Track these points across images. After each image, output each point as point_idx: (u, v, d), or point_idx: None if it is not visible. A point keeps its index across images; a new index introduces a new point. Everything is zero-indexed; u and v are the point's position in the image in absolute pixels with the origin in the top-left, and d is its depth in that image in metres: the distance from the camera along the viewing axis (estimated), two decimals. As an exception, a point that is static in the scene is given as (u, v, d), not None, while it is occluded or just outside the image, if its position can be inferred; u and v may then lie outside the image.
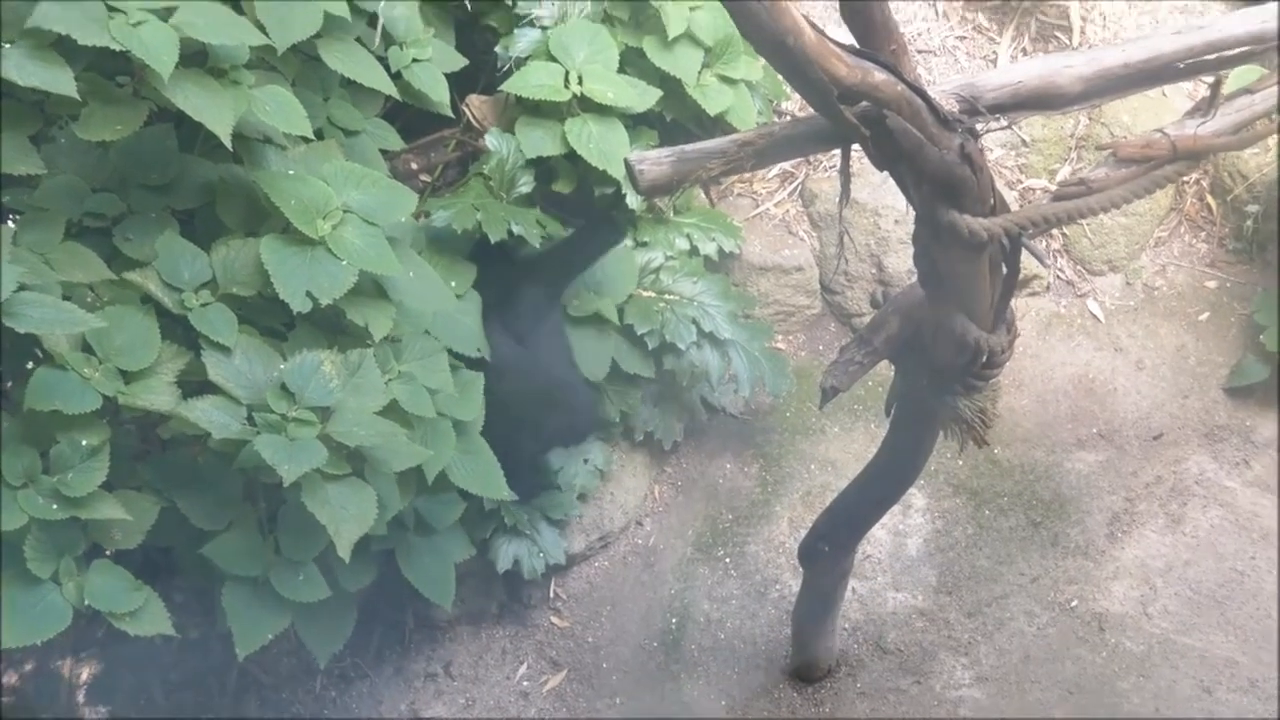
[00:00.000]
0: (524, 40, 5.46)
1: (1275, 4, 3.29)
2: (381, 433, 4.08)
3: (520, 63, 5.42)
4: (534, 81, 5.30)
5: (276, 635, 4.34)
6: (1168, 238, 6.33)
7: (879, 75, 2.82)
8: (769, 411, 6.02)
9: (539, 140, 5.32)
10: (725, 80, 5.68)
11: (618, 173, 5.27)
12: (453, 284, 4.90)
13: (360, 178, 4.37)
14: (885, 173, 3.17)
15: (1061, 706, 5.12)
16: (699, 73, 5.61)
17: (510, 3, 5.51)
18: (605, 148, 5.23)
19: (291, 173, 4.30)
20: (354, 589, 4.53)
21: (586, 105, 5.32)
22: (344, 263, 4.13)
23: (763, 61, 5.46)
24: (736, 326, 5.62)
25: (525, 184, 5.35)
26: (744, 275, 6.04)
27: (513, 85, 5.29)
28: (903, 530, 5.64)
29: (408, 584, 4.78)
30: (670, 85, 5.56)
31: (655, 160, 2.96)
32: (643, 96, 5.41)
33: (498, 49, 5.48)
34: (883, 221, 5.99)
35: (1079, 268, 6.28)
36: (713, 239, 5.76)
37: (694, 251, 5.73)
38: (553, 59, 5.38)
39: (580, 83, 5.31)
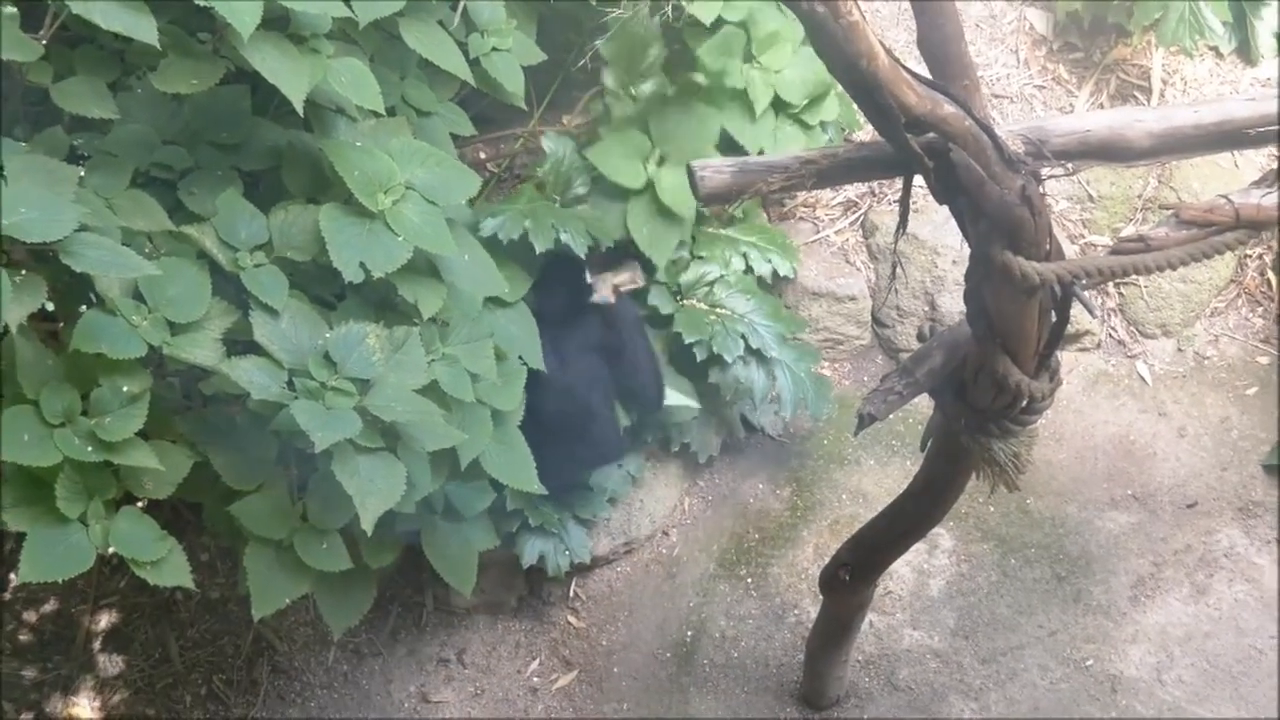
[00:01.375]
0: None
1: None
2: (419, 410, 4.09)
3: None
4: (611, 163, 5.38)
5: (294, 602, 4.35)
6: (1224, 309, 6.30)
7: (948, 108, 2.83)
8: (807, 436, 6.02)
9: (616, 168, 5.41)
10: (801, 124, 5.71)
11: (661, 261, 5.40)
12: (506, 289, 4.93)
13: (426, 156, 4.40)
14: (947, 211, 3.18)
15: (1065, 763, 5.11)
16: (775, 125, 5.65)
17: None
18: (657, 237, 5.33)
19: (359, 145, 4.33)
20: (376, 565, 4.54)
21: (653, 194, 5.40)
22: (400, 238, 4.16)
23: (839, 91, 5.51)
24: (784, 347, 5.64)
25: (581, 185, 5.39)
26: (796, 299, 6.05)
27: (594, 156, 5.38)
28: (927, 569, 5.63)
29: (429, 567, 4.79)
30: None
31: (717, 169, 2.97)
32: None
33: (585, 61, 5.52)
34: (940, 260, 5.99)
35: (1132, 329, 6.26)
36: (769, 260, 5.77)
37: (749, 270, 5.74)
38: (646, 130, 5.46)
39: (660, 164, 5.41)
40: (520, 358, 4.86)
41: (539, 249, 5.10)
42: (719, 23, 5.46)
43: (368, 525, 3.97)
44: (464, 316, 4.55)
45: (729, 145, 5.56)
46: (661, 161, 5.41)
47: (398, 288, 4.23)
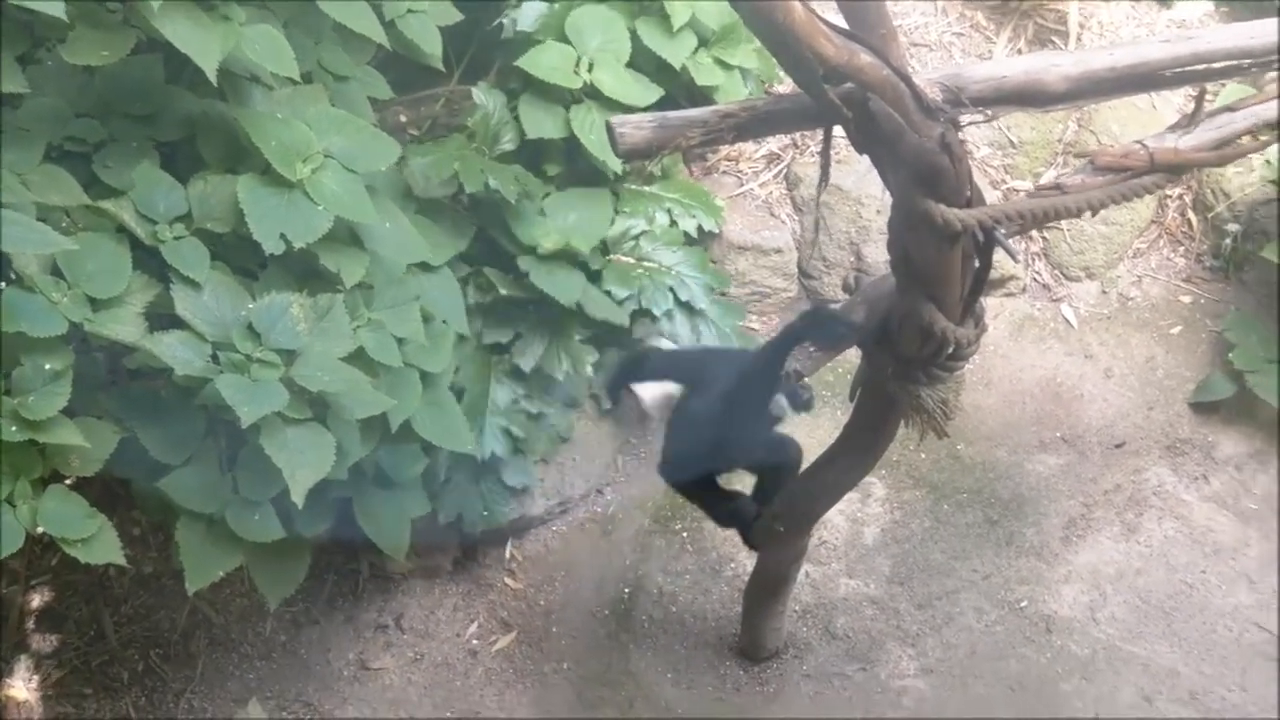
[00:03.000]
0: (530, 13, 5.51)
1: (1264, 22, 3.31)
2: (345, 379, 4.08)
3: (526, 37, 5.44)
4: (546, 63, 5.36)
5: (228, 574, 4.35)
6: (1146, 250, 6.35)
7: (865, 58, 2.83)
8: (738, 390, 6.03)
9: (541, 121, 5.37)
10: (720, 63, 5.73)
11: (615, 165, 5.35)
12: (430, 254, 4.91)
13: (344, 124, 4.38)
14: (869, 161, 3.18)
15: (1003, 703, 5.14)
16: (695, 52, 5.65)
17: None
18: (606, 139, 5.28)
19: (275, 114, 4.29)
20: (310, 534, 4.53)
21: (593, 93, 5.36)
22: (320, 207, 4.14)
23: (757, 45, 5.52)
24: (711, 301, 5.64)
25: (509, 141, 5.38)
26: (723, 253, 6.05)
27: (526, 63, 5.34)
28: (860, 518, 5.66)
29: (364, 533, 4.78)
30: (667, 65, 5.60)
31: (637, 124, 2.97)
32: (646, 93, 5.46)
33: (504, 19, 5.50)
34: (864, 210, 6.00)
35: (1056, 272, 6.30)
36: (693, 215, 5.79)
37: (674, 225, 5.74)
38: (566, 41, 5.42)
39: (590, 70, 5.37)
40: (444, 320, 4.84)
41: (469, 190, 5.14)
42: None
43: (298, 496, 3.96)
44: (388, 282, 4.53)
45: (648, 58, 5.62)
46: (591, 67, 5.45)
47: (320, 257, 4.21)
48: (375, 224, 4.39)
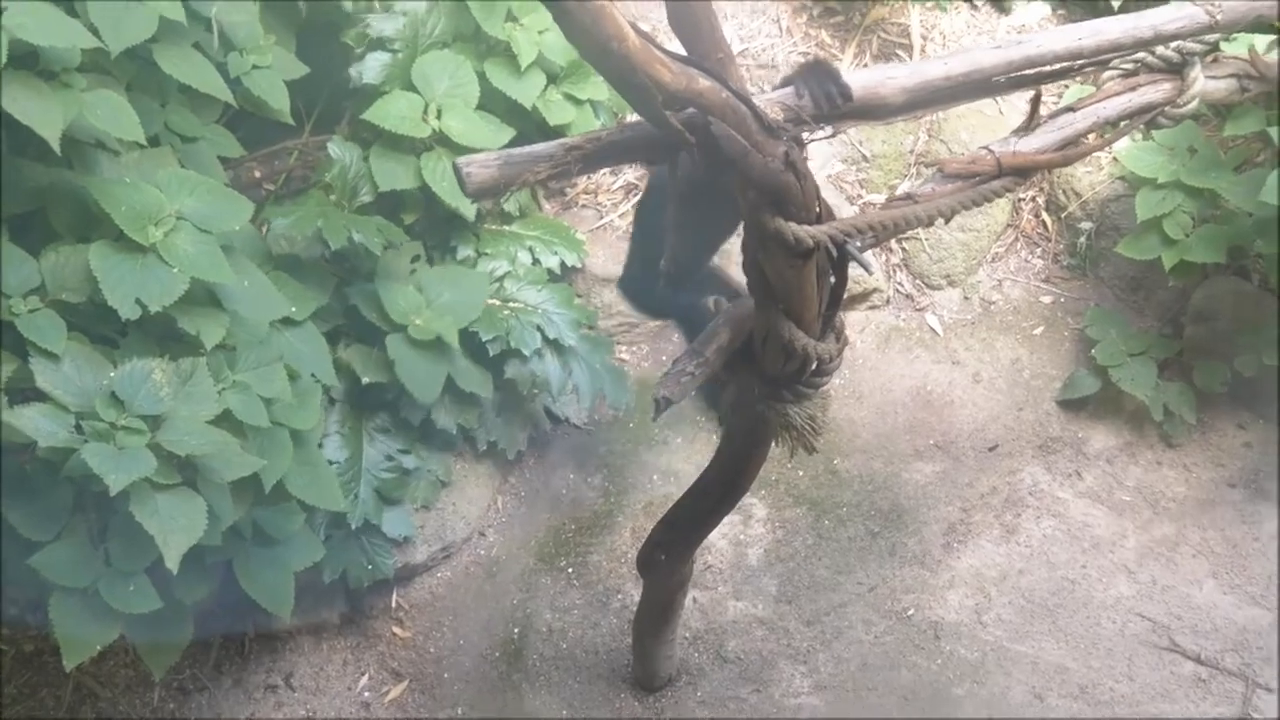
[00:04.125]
0: (375, 64, 5.49)
1: (1094, 23, 3.38)
2: (213, 442, 4.05)
3: (373, 88, 5.43)
4: (394, 114, 5.34)
5: (110, 646, 4.29)
6: (1004, 253, 6.45)
7: (704, 82, 2.85)
8: (612, 422, 6.04)
9: (393, 172, 5.36)
10: (571, 99, 5.75)
11: (467, 211, 5.37)
12: (293, 309, 4.87)
13: (195, 185, 4.34)
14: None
15: (898, 713, 5.18)
16: (545, 90, 5.67)
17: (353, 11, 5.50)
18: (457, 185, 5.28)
19: (124, 179, 4.25)
20: (189, 600, 4.48)
21: (443, 140, 5.37)
22: (175, 270, 4.10)
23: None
24: (580, 337, 5.65)
25: (367, 193, 5.36)
26: (588, 286, 6.07)
27: (373, 115, 5.33)
28: (743, 540, 5.68)
29: (247, 594, 4.73)
30: (518, 105, 5.61)
31: (482, 163, 2.96)
32: (497, 135, 5.45)
33: (350, 70, 5.49)
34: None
35: (918, 282, 6.38)
36: (555, 252, 5.80)
37: (537, 263, 5.75)
38: (413, 88, 5.41)
39: (439, 117, 5.35)
40: (313, 375, 4.81)
41: (334, 246, 5.13)
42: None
43: (173, 564, 3.92)
44: (251, 341, 4.49)
45: (497, 99, 5.62)
46: (440, 114, 5.42)
47: (179, 320, 4.17)
48: (233, 283, 4.35)
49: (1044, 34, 3.39)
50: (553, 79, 5.75)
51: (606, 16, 2.62)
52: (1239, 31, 3.94)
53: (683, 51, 2.94)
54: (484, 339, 5.45)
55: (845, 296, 3.60)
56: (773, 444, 4.01)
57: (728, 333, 3.69)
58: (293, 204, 5.36)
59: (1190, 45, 3.66)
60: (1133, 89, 3.70)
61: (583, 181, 6.27)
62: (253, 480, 4.39)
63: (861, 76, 3.20)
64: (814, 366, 3.60)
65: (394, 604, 5.63)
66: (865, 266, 3.37)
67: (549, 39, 5.59)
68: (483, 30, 5.56)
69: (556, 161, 2.98)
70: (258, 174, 5.72)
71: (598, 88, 5.78)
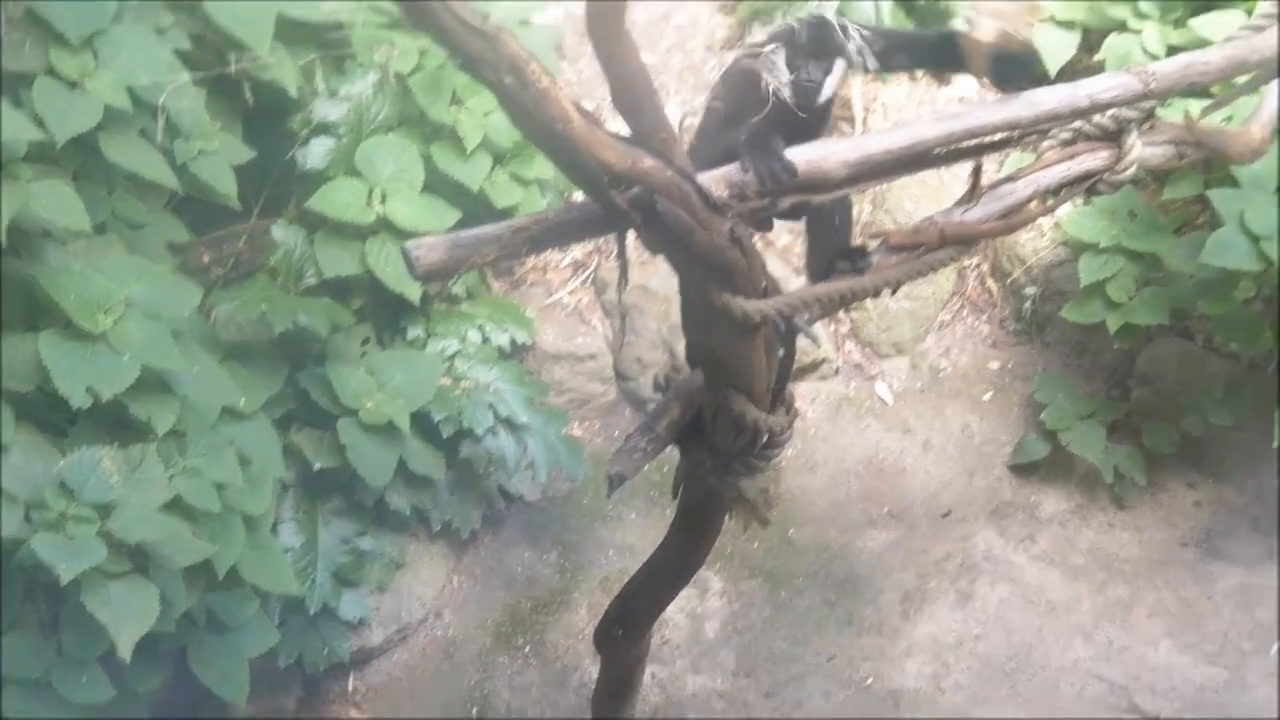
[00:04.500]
0: (320, 149, 5.50)
1: (1029, 94, 3.42)
2: (164, 529, 4.04)
3: (319, 173, 5.44)
4: (338, 200, 5.36)
5: (63, 738, 4.26)
6: (951, 321, 6.49)
7: (648, 161, 2.88)
8: (566, 498, 6.03)
9: (338, 258, 5.36)
10: (517, 180, 5.77)
11: (413, 295, 5.38)
12: (244, 399, 4.86)
13: (143, 272, 4.35)
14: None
15: (859, 783, 5.18)
16: (491, 171, 5.68)
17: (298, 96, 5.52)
18: (402, 270, 5.29)
19: (72, 267, 4.25)
20: (143, 689, 4.45)
21: (388, 224, 5.37)
22: (125, 357, 4.10)
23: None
24: (533, 413, 5.66)
25: (313, 276, 5.36)
26: (538, 363, 6.08)
27: (318, 203, 5.33)
28: (700, 613, 5.68)
29: (201, 681, 4.69)
30: (464, 187, 5.63)
31: (430, 247, 2.97)
32: (442, 218, 5.46)
33: (295, 155, 5.50)
34: (673, 308, 5.97)
35: (867, 351, 6.41)
36: (505, 330, 5.81)
37: (487, 342, 5.75)
38: (358, 173, 5.43)
39: (384, 202, 5.37)
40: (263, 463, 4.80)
41: (278, 328, 5.13)
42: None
43: (125, 652, 3.90)
44: (202, 426, 4.48)
45: (443, 182, 5.63)
46: (384, 198, 5.42)
47: (129, 407, 4.16)
48: (183, 369, 4.35)
49: (982, 106, 3.43)
50: (499, 160, 5.77)
51: (550, 100, 2.65)
52: (1174, 97, 4.00)
53: (627, 131, 2.96)
54: (436, 420, 5.45)
55: (794, 368, 3.63)
56: (727, 517, 4.01)
57: (678, 408, 3.70)
58: (239, 288, 5.36)
59: (1127, 113, 3.70)
60: (1071, 157, 3.74)
61: (531, 259, 6.29)
62: (205, 566, 4.38)
63: (804, 152, 3.23)
64: (765, 440, 3.61)
65: (350, 688, 5.60)
66: (813, 339, 3.39)
67: (494, 121, 5.61)
68: (427, 114, 5.58)
69: (504, 244, 2.99)
70: (206, 258, 5.72)
71: (544, 167, 5.80)
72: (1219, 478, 5.94)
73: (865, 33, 3.39)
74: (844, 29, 3.34)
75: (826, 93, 3.35)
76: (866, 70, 3.43)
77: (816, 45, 3.32)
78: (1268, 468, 5.84)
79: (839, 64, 3.35)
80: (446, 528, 5.75)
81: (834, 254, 3.63)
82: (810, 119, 3.37)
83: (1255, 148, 4.14)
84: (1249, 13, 5.41)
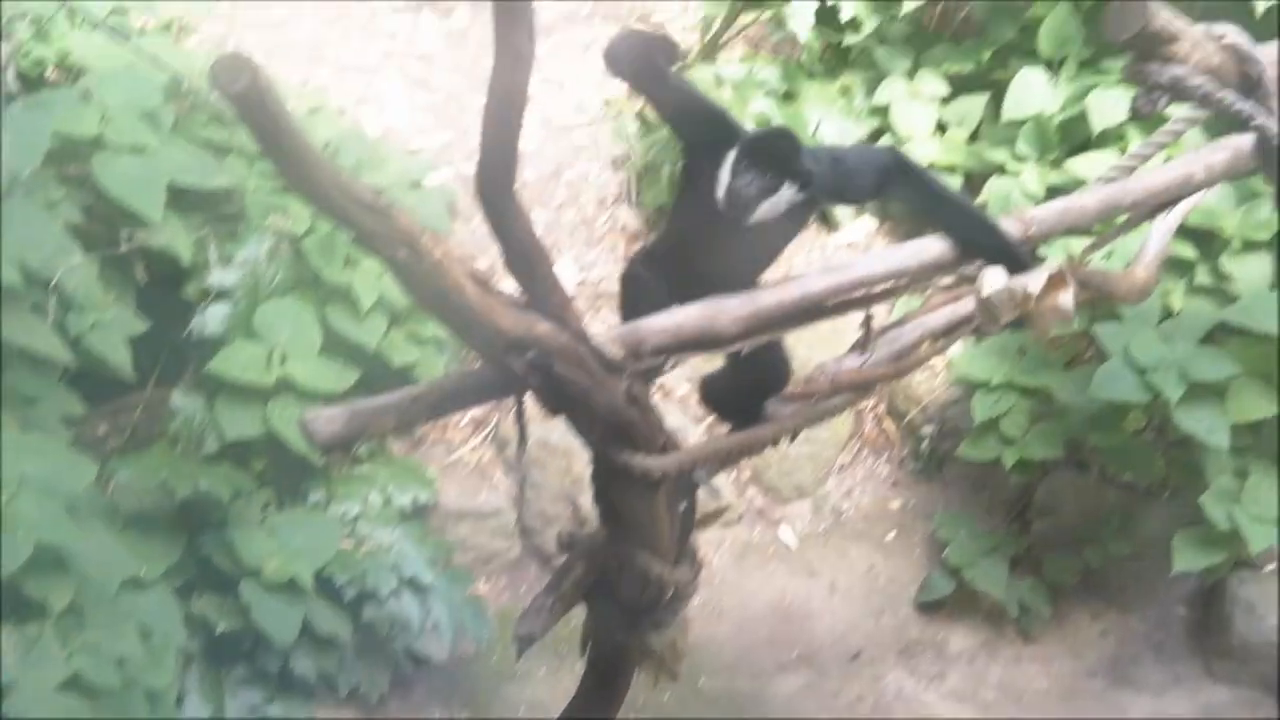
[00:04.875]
0: (216, 315, 5.50)
1: (914, 243, 3.50)
2: (62, 708, 3.97)
3: (217, 339, 5.45)
4: (237, 364, 5.35)
5: None
6: (851, 462, 6.55)
7: (543, 325, 2.91)
8: (474, 658, 5.97)
9: (239, 421, 5.34)
10: (415, 339, 5.79)
11: (316, 457, 5.34)
12: (144, 569, 4.81)
13: (36, 448, 4.32)
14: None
15: None
16: (387, 331, 5.70)
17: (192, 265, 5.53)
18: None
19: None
20: None
21: (288, 386, 5.37)
22: (19, 535, 4.05)
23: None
24: (437, 573, 5.63)
25: (213, 441, 5.33)
26: (441, 522, 6.04)
27: (217, 367, 5.32)
28: (614, 767, 5.63)
29: None
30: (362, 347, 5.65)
31: (329, 418, 2.98)
32: (341, 378, 5.45)
33: (192, 323, 5.50)
34: (575, 463, 6.06)
35: (769, 496, 6.44)
36: (407, 490, 5.78)
37: (389, 503, 5.73)
38: (255, 337, 5.43)
39: (283, 364, 5.37)
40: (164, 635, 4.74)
41: (180, 494, 5.08)
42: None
43: (27, 840, 3.81)
44: (100, 601, 4.43)
45: (340, 342, 5.63)
46: (284, 360, 5.43)
47: (23, 586, 4.11)
48: (79, 545, 4.30)
49: (868, 258, 3.52)
50: (395, 319, 5.78)
51: (444, 270, 2.68)
52: (1053, 239, 4.10)
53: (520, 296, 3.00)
54: (340, 583, 5.40)
55: (697, 518, 3.66)
56: (636, 671, 4.01)
57: (583, 565, 3.70)
58: (137, 458, 5.32)
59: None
60: (957, 300, 3.81)
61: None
62: (113, 743, 4.30)
63: (696, 310, 3.27)
64: (671, 593, 3.62)
65: None
66: (714, 492, 3.43)
67: (389, 281, 5.61)
68: (322, 276, 5.61)
69: (403, 412, 3.01)
70: (103, 430, 5.68)
71: (440, 326, 5.81)
72: (1122, 606, 6.01)
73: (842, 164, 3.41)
74: (794, 151, 3.28)
75: (762, 213, 3.26)
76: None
77: (768, 158, 3.24)
78: (1168, 594, 5.92)
79: (787, 187, 3.27)
80: (354, 692, 5.67)
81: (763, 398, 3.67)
82: (744, 244, 3.36)
83: (1141, 288, 4.25)
84: (1122, 151, 5.60)
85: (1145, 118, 3.01)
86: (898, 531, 6.35)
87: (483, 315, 2.78)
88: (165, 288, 5.59)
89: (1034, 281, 3.37)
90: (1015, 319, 3.47)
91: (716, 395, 3.82)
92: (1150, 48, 2.80)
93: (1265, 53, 2.97)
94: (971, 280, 3.82)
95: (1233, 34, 2.87)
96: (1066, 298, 3.40)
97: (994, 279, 3.40)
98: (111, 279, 5.27)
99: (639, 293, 3.36)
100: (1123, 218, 4.02)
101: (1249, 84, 2.85)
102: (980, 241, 3.49)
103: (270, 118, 2.32)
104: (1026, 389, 5.84)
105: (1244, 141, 3.56)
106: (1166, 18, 2.75)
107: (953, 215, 3.54)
